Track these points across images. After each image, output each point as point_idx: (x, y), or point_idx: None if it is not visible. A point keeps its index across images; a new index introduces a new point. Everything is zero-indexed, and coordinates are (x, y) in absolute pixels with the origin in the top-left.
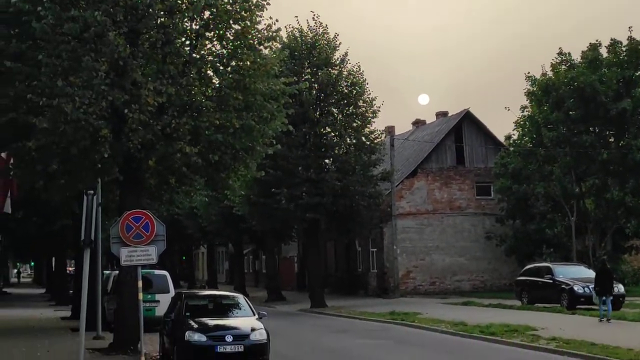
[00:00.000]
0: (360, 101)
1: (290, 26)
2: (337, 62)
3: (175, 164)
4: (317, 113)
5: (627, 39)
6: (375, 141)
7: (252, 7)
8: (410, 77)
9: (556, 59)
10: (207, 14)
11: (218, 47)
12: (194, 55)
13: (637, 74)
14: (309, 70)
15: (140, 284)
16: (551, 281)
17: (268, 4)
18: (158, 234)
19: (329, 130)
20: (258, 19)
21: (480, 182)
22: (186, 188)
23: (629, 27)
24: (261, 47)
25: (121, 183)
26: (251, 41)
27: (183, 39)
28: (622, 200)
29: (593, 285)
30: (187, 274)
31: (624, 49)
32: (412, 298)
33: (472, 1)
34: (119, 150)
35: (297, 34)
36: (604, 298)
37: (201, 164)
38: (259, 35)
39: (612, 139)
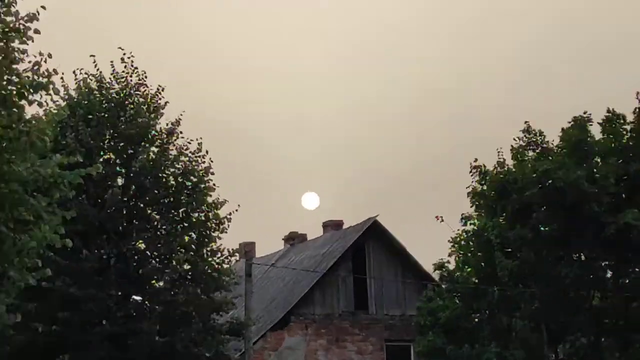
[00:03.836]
0: (199, 202)
1: (83, 71)
2: (162, 134)
3: None
4: (125, 220)
5: (634, 112)
6: (223, 267)
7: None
8: (290, 166)
9: (520, 139)
10: None
11: None
12: None
13: None
14: (112, 144)
15: None
16: None
17: (36, 31)
18: None
19: (144, 247)
20: (16, 53)
21: (393, 340)
22: None
23: (638, 93)
24: (22, 100)
25: None
26: (3, 91)
27: None
28: None
29: None
30: None
31: (628, 127)
32: None
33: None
34: None
35: (94, 85)
36: None
37: None
38: (19, 81)
39: (608, 274)
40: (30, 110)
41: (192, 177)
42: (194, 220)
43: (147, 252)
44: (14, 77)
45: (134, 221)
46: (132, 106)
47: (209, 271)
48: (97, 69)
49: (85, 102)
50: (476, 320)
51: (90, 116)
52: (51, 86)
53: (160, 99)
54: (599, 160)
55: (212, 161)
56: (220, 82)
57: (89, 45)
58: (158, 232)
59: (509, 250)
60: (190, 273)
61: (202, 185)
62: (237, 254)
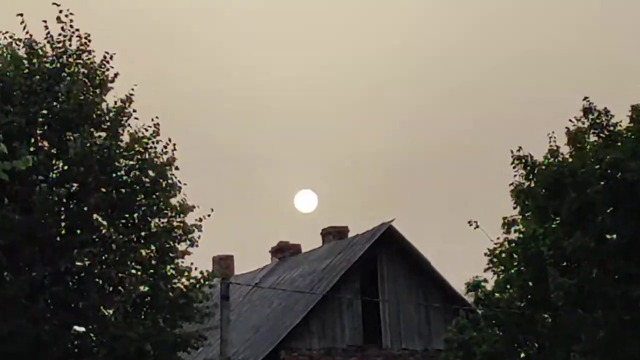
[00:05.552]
0: (160, 204)
1: (7, 35)
2: (111, 113)
3: None
4: (64, 229)
5: None
6: (195, 291)
7: None
8: (280, 157)
9: (578, 120)
10: None
11: None
12: None
13: None
14: (45, 130)
15: None
16: None
17: None
18: None
19: (88, 264)
20: None
21: None
22: None
23: None
24: None
25: None
26: None
27: None
28: None
29: None
30: None
31: None
32: None
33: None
34: None
35: (21, 53)
36: None
37: None
38: None
39: None
40: None
41: (149, 172)
42: (154, 228)
43: (92, 270)
44: None
45: (75, 230)
46: (71, 74)
47: (173, 296)
48: (27, 32)
49: (10, 73)
50: (522, 355)
51: (15, 92)
52: None
53: (107, 69)
54: None
55: (175, 149)
56: (189, 54)
57: (18, 3)
58: (106, 245)
59: (565, 264)
60: (148, 298)
61: (164, 183)
62: (212, 278)
